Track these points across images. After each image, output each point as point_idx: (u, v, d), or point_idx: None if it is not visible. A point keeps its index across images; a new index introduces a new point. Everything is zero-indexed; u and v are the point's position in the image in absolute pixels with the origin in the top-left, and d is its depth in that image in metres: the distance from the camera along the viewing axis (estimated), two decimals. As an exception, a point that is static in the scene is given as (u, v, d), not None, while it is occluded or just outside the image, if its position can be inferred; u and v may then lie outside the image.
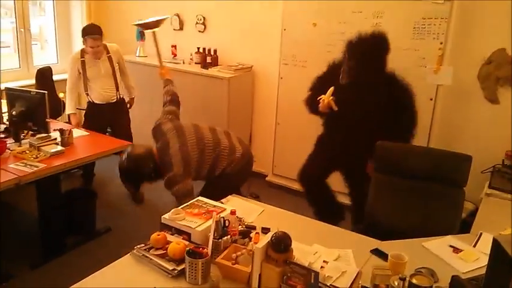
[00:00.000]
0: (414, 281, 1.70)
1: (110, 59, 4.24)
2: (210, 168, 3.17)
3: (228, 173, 3.21)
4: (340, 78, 3.21)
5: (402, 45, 3.85)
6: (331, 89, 3.18)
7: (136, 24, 3.97)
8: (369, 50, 3.15)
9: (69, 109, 4.33)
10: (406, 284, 1.70)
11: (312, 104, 3.41)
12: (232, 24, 4.96)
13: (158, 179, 3.07)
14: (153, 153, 3.05)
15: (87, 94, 4.32)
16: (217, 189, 3.07)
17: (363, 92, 3.17)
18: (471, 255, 2.15)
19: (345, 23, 4.12)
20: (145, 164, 2.98)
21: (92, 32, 4.07)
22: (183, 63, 5.14)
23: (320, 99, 3.21)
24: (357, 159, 3.34)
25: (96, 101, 4.31)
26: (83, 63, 4.18)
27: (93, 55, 4.12)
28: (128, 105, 4.58)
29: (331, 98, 3.18)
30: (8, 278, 3.19)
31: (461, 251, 2.20)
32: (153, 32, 3.83)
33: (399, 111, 3.24)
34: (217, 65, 4.97)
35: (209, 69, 4.89)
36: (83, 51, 4.20)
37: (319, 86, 3.45)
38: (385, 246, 2.20)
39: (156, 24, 3.83)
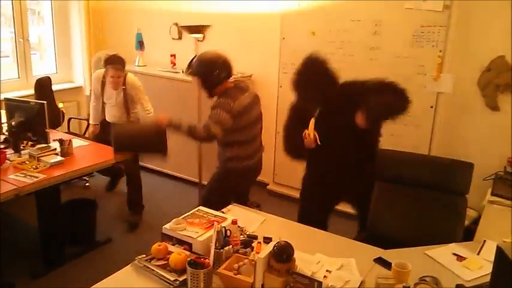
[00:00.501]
0: (418, 290, 1.69)
1: (124, 91, 4.18)
2: (236, 141, 3.25)
3: (235, 167, 3.30)
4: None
5: (402, 53, 3.87)
6: (312, 120, 2.92)
7: (181, 27, 3.97)
8: (310, 75, 2.96)
9: (92, 119, 4.47)
10: (411, 293, 1.68)
11: (295, 142, 3.04)
12: (231, 33, 4.97)
13: (205, 88, 3.30)
14: (226, 79, 3.23)
15: (103, 111, 4.36)
16: (218, 188, 3.33)
17: (332, 114, 2.95)
18: (475, 263, 2.14)
19: (344, 31, 4.13)
20: (213, 69, 3.19)
21: (115, 62, 4.05)
22: (182, 72, 5.14)
23: (305, 134, 2.91)
24: (351, 183, 3.07)
25: (107, 119, 4.34)
26: (103, 85, 4.21)
27: (113, 85, 4.11)
28: None
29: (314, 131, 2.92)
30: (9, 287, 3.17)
31: (465, 258, 2.18)
32: (195, 38, 3.85)
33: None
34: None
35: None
36: (104, 76, 4.19)
37: (297, 116, 3.13)
38: (388, 254, 2.19)
39: (201, 29, 3.85)
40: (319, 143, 2.91)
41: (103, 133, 4.34)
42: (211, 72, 3.20)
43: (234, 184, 3.39)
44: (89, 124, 4.80)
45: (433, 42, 3.73)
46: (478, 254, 2.23)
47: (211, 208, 3.15)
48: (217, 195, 3.31)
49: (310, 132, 2.90)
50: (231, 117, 3.12)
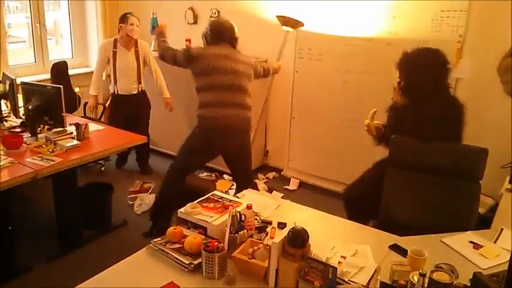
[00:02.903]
0: (434, 277, 1.67)
1: (137, 52, 4.56)
2: (198, 88, 3.41)
3: (198, 117, 3.40)
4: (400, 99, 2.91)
5: (420, 38, 3.79)
6: (373, 111, 2.93)
7: (277, 16, 4.00)
8: (421, 64, 2.80)
9: (92, 90, 4.62)
10: (427, 280, 1.67)
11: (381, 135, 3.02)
12: (247, 18, 4.93)
13: None
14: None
15: (115, 83, 4.56)
16: (183, 146, 3.52)
17: (420, 120, 2.78)
18: (492, 251, 2.12)
19: (361, 15, 4.08)
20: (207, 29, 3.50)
21: (131, 12, 4.48)
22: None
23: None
24: None
25: (120, 92, 4.57)
26: (114, 53, 4.47)
27: (134, 32, 4.45)
28: (168, 109, 4.73)
29: (375, 122, 2.94)
30: (25, 270, 3.22)
31: (482, 247, 2.16)
32: (287, 31, 3.94)
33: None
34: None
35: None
36: (115, 41, 4.49)
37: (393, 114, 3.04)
38: (403, 241, 2.17)
39: (295, 24, 3.91)
40: (373, 133, 2.94)
41: (118, 109, 4.64)
42: (206, 35, 3.48)
43: (196, 138, 3.45)
44: (99, 108, 4.98)
45: (453, 27, 3.67)
46: (495, 242, 2.21)
47: (176, 168, 3.54)
48: (181, 153, 3.54)
49: (367, 121, 2.93)
50: (185, 61, 3.41)
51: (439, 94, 2.80)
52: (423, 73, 2.76)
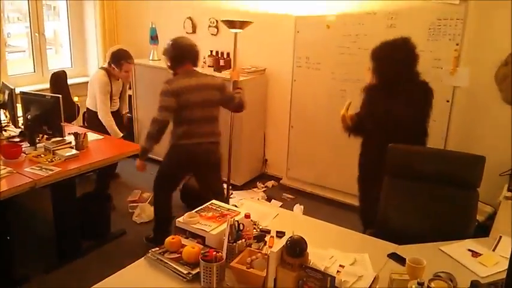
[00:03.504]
0: (433, 285, 1.67)
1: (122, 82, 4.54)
2: (174, 119, 3.41)
3: (173, 145, 3.46)
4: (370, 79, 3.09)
5: (417, 46, 3.80)
6: (348, 102, 3.09)
7: (222, 21, 4.02)
8: (391, 53, 3.00)
9: (118, 133, 4.22)
10: (425, 289, 1.66)
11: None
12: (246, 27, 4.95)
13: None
14: (180, 65, 3.44)
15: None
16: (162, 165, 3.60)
17: (393, 102, 2.94)
18: (490, 259, 2.11)
19: (359, 24, 4.10)
20: (175, 53, 3.44)
21: (129, 56, 4.23)
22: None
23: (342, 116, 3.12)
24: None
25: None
26: (111, 84, 4.30)
27: (127, 79, 4.42)
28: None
29: (350, 114, 3.09)
30: (23, 281, 3.20)
31: (481, 255, 2.15)
32: (236, 33, 3.96)
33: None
34: (230, 68, 4.96)
35: (222, 72, 4.88)
36: (108, 72, 4.24)
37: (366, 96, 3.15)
38: (402, 250, 2.17)
39: (242, 25, 3.91)
40: (348, 123, 3.09)
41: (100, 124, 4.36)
42: (172, 56, 3.44)
43: (172, 162, 3.52)
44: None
45: (450, 35, 3.68)
46: (494, 250, 2.20)
47: (159, 187, 3.62)
48: (161, 173, 3.63)
49: (342, 112, 3.08)
50: (172, 97, 3.30)
51: (410, 80, 3.01)
52: (395, 64, 2.96)
